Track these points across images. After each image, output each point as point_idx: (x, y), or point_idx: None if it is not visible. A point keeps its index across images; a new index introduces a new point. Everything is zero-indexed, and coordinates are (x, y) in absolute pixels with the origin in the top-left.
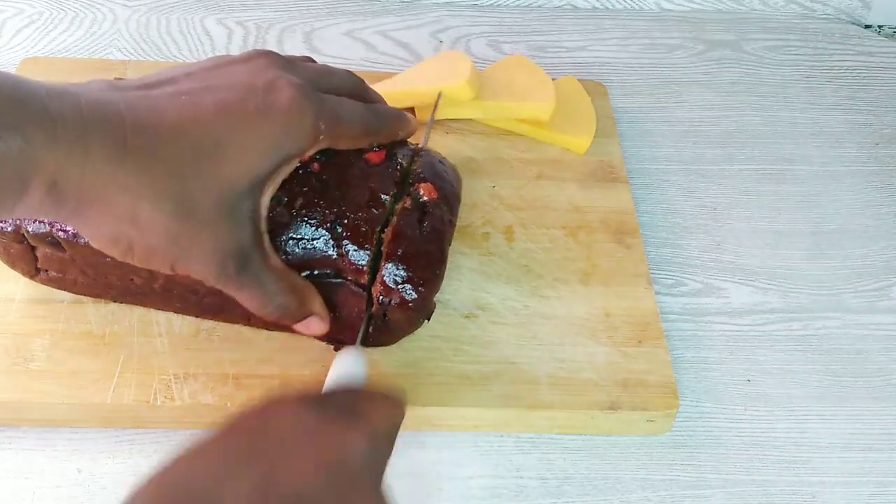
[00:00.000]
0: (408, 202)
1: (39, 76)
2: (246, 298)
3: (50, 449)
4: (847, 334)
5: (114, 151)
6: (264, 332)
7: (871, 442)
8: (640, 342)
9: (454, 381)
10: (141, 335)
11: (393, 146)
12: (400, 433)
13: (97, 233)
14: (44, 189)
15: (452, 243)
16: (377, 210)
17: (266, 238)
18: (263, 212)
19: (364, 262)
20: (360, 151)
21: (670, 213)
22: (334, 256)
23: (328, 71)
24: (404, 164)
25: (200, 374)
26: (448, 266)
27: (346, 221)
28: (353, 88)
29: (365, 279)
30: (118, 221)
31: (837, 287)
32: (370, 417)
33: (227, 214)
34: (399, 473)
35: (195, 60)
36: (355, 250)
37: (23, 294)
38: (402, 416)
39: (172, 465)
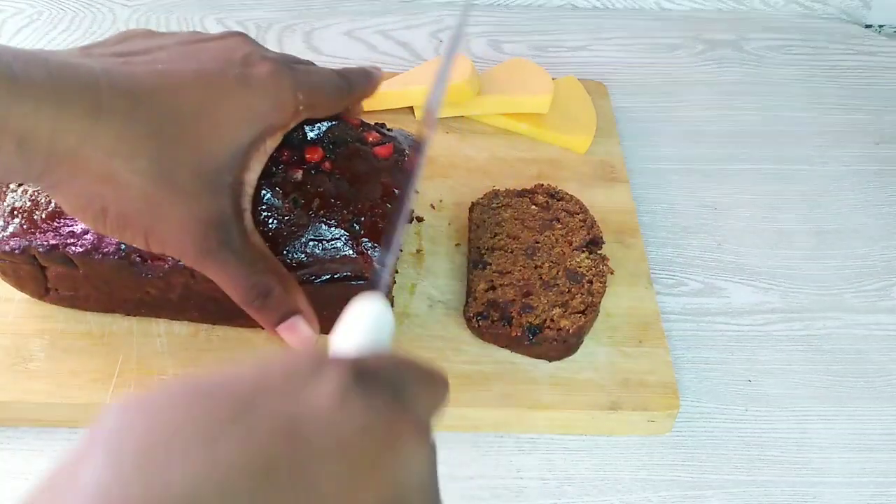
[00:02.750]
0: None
1: None
2: (228, 278)
3: (49, 449)
4: (848, 334)
5: (89, 109)
6: (263, 333)
7: (873, 442)
8: (640, 342)
9: (454, 381)
10: (140, 335)
11: (397, 139)
12: None
13: (69, 192)
14: (12, 144)
15: (452, 244)
16: (392, 205)
17: (248, 216)
18: (249, 189)
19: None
20: (369, 145)
21: (671, 213)
22: (353, 255)
23: (291, 56)
24: (409, 155)
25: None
26: (448, 266)
27: (363, 219)
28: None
29: None
30: (91, 181)
31: (838, 287)
32: (420, 402)
33: (207, 185)
34: None
35: None
36: (373, 247)
37: (22, 294)
38: (446, 397)
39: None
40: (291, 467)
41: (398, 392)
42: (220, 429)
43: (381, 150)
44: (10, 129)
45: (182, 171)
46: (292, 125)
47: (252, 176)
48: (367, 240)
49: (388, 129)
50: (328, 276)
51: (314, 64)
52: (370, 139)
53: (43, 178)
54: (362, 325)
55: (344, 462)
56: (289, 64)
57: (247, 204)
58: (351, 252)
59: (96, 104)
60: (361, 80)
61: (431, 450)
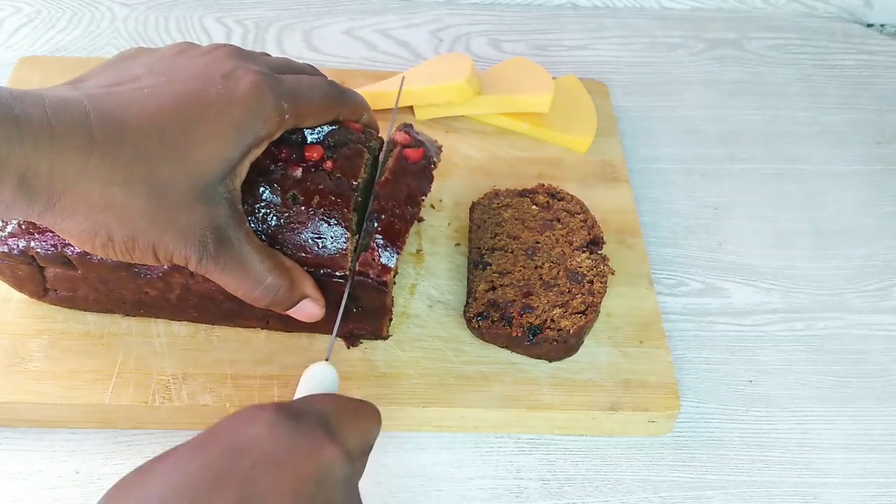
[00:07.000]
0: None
1: (37, 75)
2: (231, 282)
3: (48, 450)
4: (849, 334)
5: (81, 144)
6: (263, 333)
7: (874, 443)
8: (641, 342)
9: (454, 381)
10: (139, 335)
11: (425, 143)
12: (374, 447)
13: (74, 227)
14: (13, 183)
15: (452, 244)
16: (413, 208)
17: (246, 220)
18: (238, 195)
19: (393, 262)
20: (399, 145)
21: (671, 213)
22: (346, 252)
23: (287, 61)
24: (436, 162)
25: (199, 374)
26: (448, 266)
27: (383, 217)
28: (314, 73)
29: (388, 277)
30: (93, 212)
31: (839, 287)
32: (346, 431)
33: (201, 196)
34: (399, 474)
35: None
36: (385, 246)
37: (21, 294)
38: (377, 429)
39: (137, 482)
40: (238, 477)
41: (323, 421)
42: (183, 458)
43: (412, 153)
44: (11, 168)
45: (176, 187)
46: (279, 133)
47: (239, 182)
48: (380, 237)
49: (417, 132)
50: (324, 272)
51: (313, 67)
52: (400, 140)
53: (45, 215)
54: (304, 382)
55: (277, 472)
56: (273, 74)
57: (241, 209)
58: (348, 250)
59: (88, 138)
60: (355, 99)
61: (352, 467)
